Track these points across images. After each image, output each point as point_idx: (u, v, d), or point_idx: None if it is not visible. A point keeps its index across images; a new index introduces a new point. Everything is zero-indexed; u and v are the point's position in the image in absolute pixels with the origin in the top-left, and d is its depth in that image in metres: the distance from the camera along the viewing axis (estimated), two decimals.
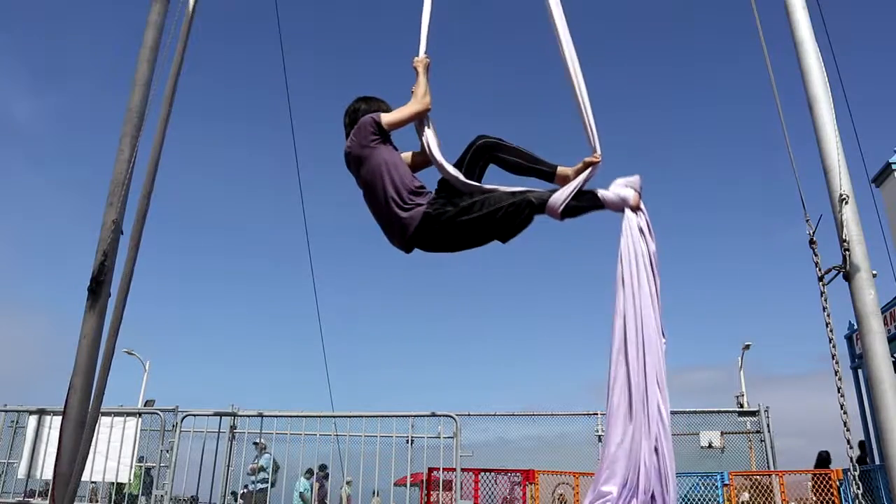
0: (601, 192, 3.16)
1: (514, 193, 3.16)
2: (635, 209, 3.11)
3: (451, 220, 3.15)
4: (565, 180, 3.23)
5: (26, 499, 9.02)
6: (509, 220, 3.13)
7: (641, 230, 3.06)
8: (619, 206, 3.12)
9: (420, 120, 3.45)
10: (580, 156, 3.27)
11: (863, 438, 12.58)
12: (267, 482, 10.03)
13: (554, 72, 3.36)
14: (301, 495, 11.12)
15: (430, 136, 3.40)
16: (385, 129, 3.35)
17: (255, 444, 9.90)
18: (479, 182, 3.28)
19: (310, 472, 10.56)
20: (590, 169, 3.19)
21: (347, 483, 10.70)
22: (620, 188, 3.14)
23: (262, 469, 10.02)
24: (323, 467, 10.34)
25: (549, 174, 3.32)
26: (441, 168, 3.32)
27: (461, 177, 3.24)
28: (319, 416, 9.33)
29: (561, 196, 3.10)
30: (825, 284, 3.15)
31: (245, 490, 10.46)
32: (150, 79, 3.85)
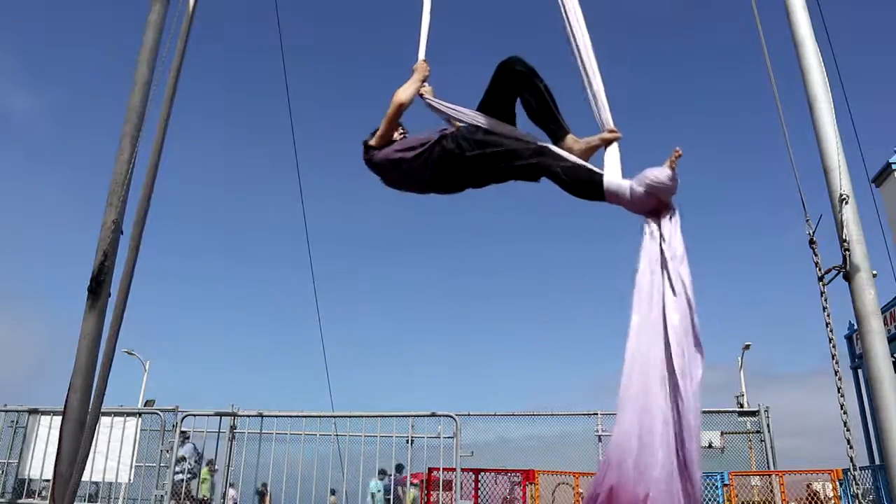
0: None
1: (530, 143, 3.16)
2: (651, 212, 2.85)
3: (469, 137, 3.22)
4: (570, 149, 3.14)
5: (26, 499, 9.01)
6: (519, 166, 3.15)
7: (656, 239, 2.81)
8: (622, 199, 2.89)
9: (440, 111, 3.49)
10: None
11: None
12: (185, 472, 9.98)
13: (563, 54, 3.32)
14: (373, 496, 11.08)
15: (447, 111, 3.45)
16: (376, 145, 3.47)
17: (182, 432, 9.88)
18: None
19: (382, 472, 10.53)
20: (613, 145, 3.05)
21: (413, 486, 10.71)
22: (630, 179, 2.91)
23: (182, 459, 9.96)
24: (399, 468, 10.29)
25: (557, 135, 3.21)
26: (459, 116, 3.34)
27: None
28: (319, 416, 9.33)
29: (616, 180, 2.95)
30: (825, 284, 3.15)
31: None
32: (150, 79, 3.85)
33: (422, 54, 3.63)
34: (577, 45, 3.21)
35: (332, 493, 10.64)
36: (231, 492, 11.22)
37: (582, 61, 3.19)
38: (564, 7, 3.30)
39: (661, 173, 2.81)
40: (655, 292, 2.71)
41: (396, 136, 3.50)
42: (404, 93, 3.44)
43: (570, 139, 3.19)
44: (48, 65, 49.17)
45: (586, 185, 3.03)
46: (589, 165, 3.08)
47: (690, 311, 2.68)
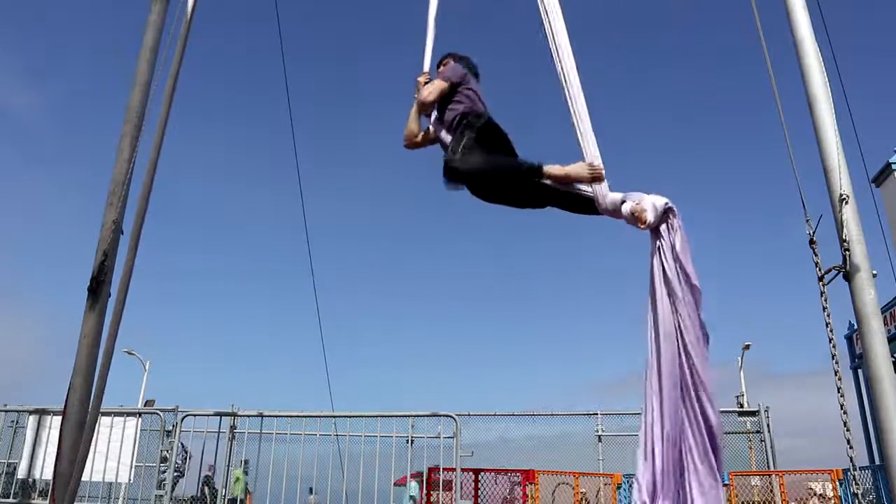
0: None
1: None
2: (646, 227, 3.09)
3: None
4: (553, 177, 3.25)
5: (26, 499, 9.01)
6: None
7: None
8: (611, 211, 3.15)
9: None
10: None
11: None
12: (174, 470, 9.94)
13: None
14: (412, 499, 11.07)
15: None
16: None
17: (168, 431, 9.84)
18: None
19: (419, 474, 10.55)
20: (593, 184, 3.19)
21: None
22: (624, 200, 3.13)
23: (166, 458, 9.92)
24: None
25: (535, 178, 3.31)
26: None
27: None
28: (319, 416, 9.32)
29: (608, 199, 3.17)
30: (825, 284, 3.15)
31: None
32: (150, 79, 3.85)
33: (426, 66, 3.69)
34: (564, 77, 3.28)
35: (311, 491, 10.60)
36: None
37: (569, 92, 3.26)
38: (553, 38, 3.34)
39: (634, 218, 3.03)
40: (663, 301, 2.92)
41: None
42: (406, 130, 3.70)
43: (549, 169, 3.27)
44: (48, 63, 49.16)
45: (582, 204, 3.24)
46: (581, 189, 3.21)
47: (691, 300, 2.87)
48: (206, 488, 10.44)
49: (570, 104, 3.25)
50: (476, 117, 3.41)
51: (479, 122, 3.38)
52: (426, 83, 3.61)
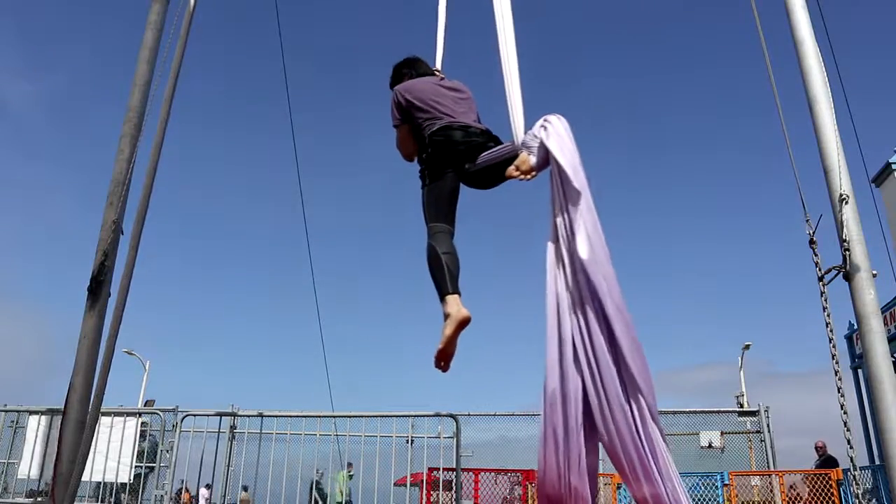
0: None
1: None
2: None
3: None
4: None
5: (26, 499, 9.01)
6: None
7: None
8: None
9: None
10: None
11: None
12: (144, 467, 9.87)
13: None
14: None
15: None
16: None
17: (143, 424, 9.76)
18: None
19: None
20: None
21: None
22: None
23: (142, 453, 9.86)
24: None
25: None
26: None
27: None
28: (319, 416, 9.33)
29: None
30: (825, 284, 3.15)
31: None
32: (150, 79, 3.85)
33: (438, 62, 3.63)
34: (501, 46, 2.98)
35: (244, 489, 10.50)
36: (204, 492, 11.15)
37: (504, 64, 2.95)
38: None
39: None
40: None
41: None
42: (405, 156, 3.41)
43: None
44: (47, 59, 49.22)
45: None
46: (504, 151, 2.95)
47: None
48: (314, 492, 10.28)
49: (505, 72, 2.92)
50: (422, 166, 3.13)
51: (424, 170, 3.11)
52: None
